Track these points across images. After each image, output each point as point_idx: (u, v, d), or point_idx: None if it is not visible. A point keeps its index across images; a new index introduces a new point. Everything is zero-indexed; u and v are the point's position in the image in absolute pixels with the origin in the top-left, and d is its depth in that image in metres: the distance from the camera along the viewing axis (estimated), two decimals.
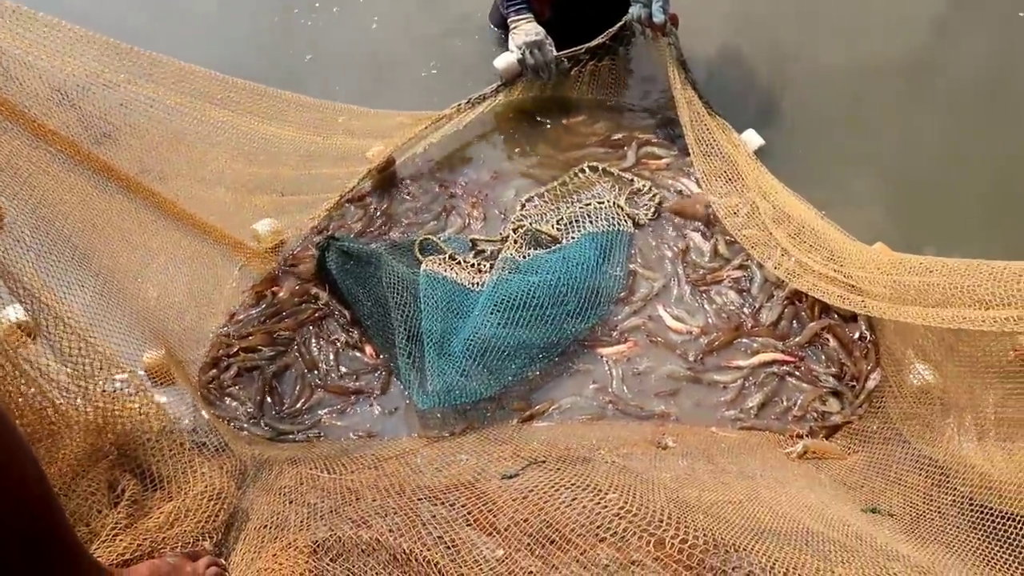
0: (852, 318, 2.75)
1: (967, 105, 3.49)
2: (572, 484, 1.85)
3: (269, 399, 2.62)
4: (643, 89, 3.60)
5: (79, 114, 2.06)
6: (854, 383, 2.63)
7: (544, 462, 2.04)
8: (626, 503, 1.58)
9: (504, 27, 3.62)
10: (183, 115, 2.36)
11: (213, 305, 2.72)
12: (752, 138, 3.17)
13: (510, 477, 1.95)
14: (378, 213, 3.11)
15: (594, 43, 3.38)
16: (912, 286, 2.28)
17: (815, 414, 2.58)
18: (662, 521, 1.48)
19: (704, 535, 1.47)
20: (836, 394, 2.62)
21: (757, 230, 2.90)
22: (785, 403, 2.62)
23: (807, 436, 2.49)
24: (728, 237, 3.01)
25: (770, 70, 3.64)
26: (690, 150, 3.14)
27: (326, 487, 1.98)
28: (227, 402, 2.60)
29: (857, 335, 2.73)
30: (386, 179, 3.23)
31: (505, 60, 3.28)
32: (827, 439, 2.51)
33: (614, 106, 3.55)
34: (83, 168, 2.09)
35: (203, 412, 2.46)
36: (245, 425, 2.54)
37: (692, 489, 1.80)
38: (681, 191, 3.20)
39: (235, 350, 2.68)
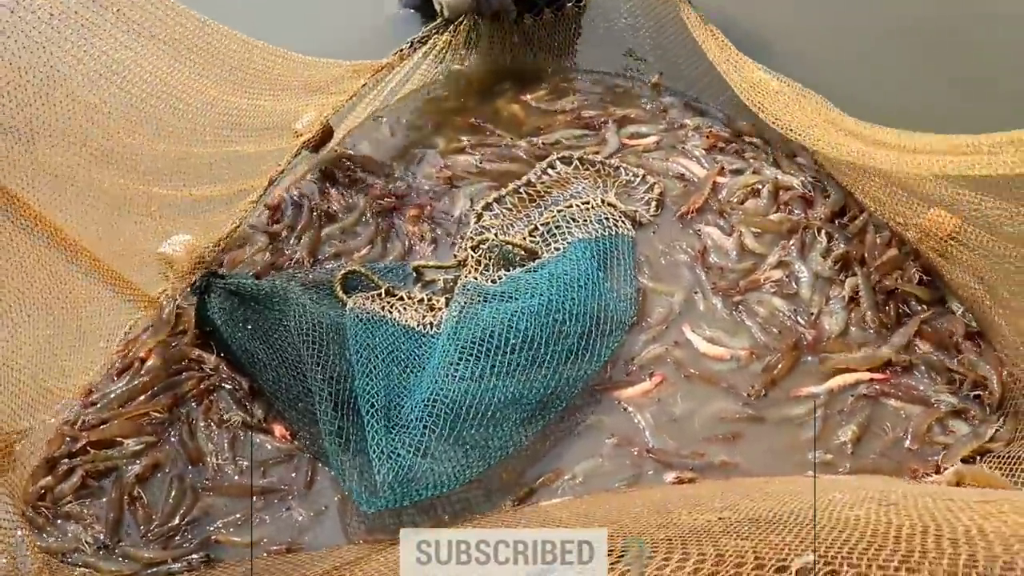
0: (942, 305, 2.14)
1: None
2: None
3: (130, 515, 1.76)
4: (608, 53, 3.04)
5: None
6: (978, 392, 1.89)
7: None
8: None
9: (417, 7, 3.18)
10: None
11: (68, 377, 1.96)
12: None
13: None
14: (291, 240, 2.35)
15: None
16: None
17: (940, 446, 1.81)
18: None
19: None
20: (958, 413, 1.87)
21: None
22: (891, 433, 1.86)
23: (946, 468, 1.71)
24: (754, 229, 2.32)
25: None
26: (736, 90, 2.51)
27: None
28: (63, 525, 1.75)
29: (957, 328, 2.07)
30: (325, 171, 2.57)
31: None
32: None
33: (580, 74, 3.01)
34: None
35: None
36: (90, 559, 1.68)
37: None
38: (683, 175, 2.54)
39: (81, 445, 1.85)
